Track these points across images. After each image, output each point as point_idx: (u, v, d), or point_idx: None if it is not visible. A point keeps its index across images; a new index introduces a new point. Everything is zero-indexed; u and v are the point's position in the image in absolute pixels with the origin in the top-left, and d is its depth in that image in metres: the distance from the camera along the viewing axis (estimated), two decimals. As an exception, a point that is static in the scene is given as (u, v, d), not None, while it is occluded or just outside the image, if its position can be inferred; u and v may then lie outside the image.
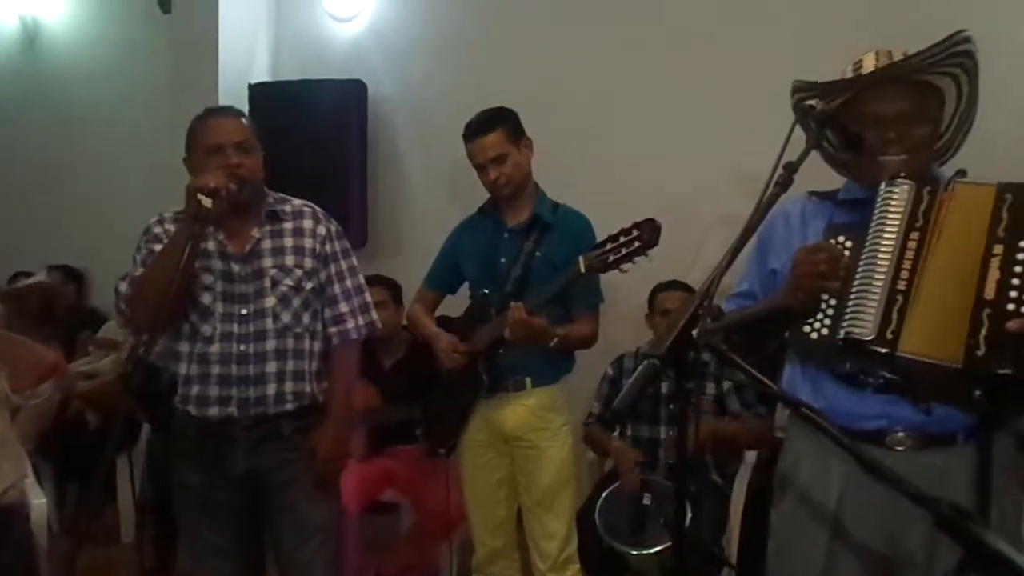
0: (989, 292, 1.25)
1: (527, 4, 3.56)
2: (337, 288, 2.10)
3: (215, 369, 1.98)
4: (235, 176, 1.92)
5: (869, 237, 1.40)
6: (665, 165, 3.24)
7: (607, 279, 2.33)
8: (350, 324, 2.09)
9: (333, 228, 2.14)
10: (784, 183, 1.30)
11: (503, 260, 2.44)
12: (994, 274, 1.26)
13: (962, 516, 0.99)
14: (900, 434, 1.45)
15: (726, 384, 2.77)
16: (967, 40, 1.49)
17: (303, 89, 3.48)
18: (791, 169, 1.29)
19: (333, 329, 2.09)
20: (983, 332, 1.23)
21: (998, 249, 1.27)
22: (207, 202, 1.83)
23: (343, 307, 2.09)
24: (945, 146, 1.65)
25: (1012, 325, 1.21)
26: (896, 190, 1.41)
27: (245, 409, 1.98)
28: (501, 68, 3.50)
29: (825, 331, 1.41)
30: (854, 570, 1.50)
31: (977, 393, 1.25)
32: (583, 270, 2.14)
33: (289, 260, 2.04)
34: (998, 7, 2.87)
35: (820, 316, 1.43)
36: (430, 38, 3.69)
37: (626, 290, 2.91)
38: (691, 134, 3.21)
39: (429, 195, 3.65)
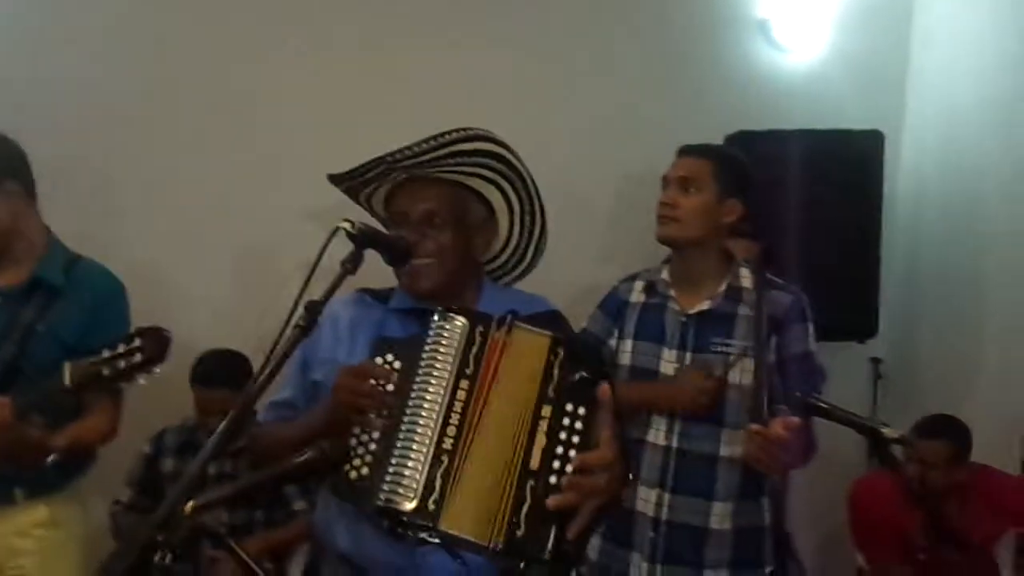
0: (535, 461, 1.12)
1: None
2: None
3: None
4: None
5: (417, 380, 1.23)
6: (242, 208, 2.87)
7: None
8: None
9: None
10: (306, 326, 1.13)
11: (-9, 335, 1.90)
12: (540, 440, 1.13)
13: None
14: None
15: None
16: (479, 138, 1.44)
17: None
18: (313, 311, 1.12)
19: None
20: (525, 508, 1.11)
21: (546, 411, 1.15)
22: None
23: None
24: (514, 260, 1.63)
25: (551, 502, 1.10)
26: (447, 327, 1.26)
27: None
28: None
29: (365, 470, 1.22)
30: None
31: (522, 566, 1.13)
32: (68, 383, 1.70)
33: None
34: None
35: (362, 452, 1.25)
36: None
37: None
38: (272, 173, 2.88)
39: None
